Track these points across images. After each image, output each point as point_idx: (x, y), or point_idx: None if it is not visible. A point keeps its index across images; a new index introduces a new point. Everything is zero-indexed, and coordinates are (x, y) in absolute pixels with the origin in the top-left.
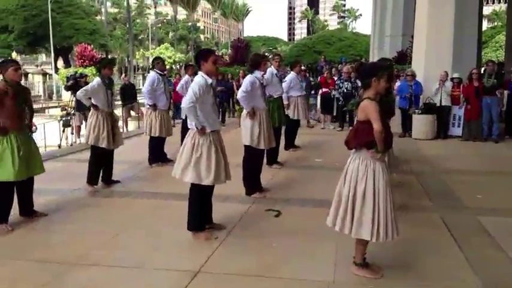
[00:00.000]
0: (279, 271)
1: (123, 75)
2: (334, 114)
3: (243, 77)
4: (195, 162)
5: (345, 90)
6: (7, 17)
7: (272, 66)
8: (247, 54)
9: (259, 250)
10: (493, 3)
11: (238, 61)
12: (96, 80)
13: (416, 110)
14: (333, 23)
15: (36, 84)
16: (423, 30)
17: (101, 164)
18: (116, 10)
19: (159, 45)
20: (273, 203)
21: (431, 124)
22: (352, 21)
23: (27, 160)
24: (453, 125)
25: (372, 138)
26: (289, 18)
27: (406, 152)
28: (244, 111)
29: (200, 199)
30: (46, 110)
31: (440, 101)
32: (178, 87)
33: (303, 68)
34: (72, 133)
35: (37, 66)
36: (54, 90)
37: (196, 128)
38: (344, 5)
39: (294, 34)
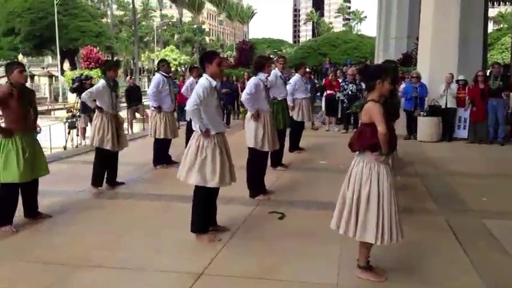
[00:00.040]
0: (280, 273)
1: (129, 77)
2: (339, 116)
3: (248, 79)
4: (199, 164)
5: (350, 93)
6: (14, 19)
7: (276, 68)
8: (252, 56)
9: (263, 252)
10: (499, 5)
11: (243, 63)
12: (101, 82)
13: (422, 112)
14: (338, 25)
15: (42, 86)
16: (428, 32)
17: (105, 166)
18: (122, 13)
19: (165, 48)
20: (277, 205)
21: (437, 126)
22: (357, 24)
23: (32, 162)
24: (459, 127)
25: (375, 140)
26: (294, 21)
27: (410, 154)
28: (249, 114)
29: (204, 201)
30: (52, 112)
31: (446, 103)
32: (183, 89)
33: (307, 70)
34: (77, 135)
35: (43, 68)
36: (60, 92)
37: (201, 130)
38: (349, 7)
39: (299, 36)
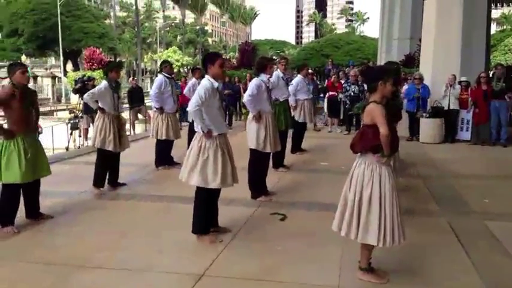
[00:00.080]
0: (281, 274)
1: (131, 78)
2: (341, 117)
3: (250, 81)
4: (201, 165)
5: (352, 94)
6: (17, 20)
7: (278, 70)
8: (254, 58)
9: (264, 254)
10: (502, 6)
11: (245, 64)
12: (103, 83)
13: (424, 114)
14: (340, 27)
15: (45, 87)
16: (431, 34)
17: (107, 167)
18: (125, 14)
19: (167, 49)
20: (279, 207)
21: (439, 128)
22: (359, 25)
23: (34, 162)
24: (461, 129)
25: (377, 142)
26: (297, 22)
27: (413, 155)
28: (251, 115)
29: (206, 202)
30: (54, 113)
31: (449, 104)
32: (185, 90)
33: (310, 71)
34: (79, 136)
35: (46, 69)
36: (63, 93)
37: (203, 131)
38: (352, 9)
39: (301, 37)
